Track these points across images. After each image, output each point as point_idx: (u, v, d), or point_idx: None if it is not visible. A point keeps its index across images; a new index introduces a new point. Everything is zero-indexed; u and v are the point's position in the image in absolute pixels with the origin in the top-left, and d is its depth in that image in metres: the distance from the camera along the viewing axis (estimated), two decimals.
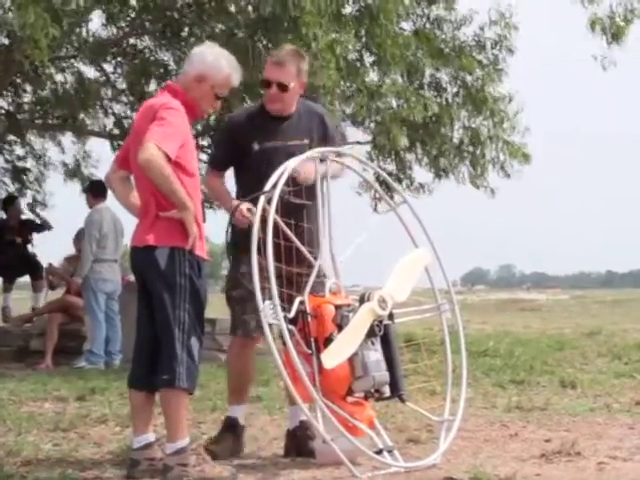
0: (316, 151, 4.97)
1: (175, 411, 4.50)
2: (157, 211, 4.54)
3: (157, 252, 4.52)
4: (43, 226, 13.18)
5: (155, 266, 4.52)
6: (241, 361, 5.25)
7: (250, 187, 4.97)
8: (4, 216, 13.24)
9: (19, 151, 15.02)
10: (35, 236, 13.20)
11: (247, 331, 5.15)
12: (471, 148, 12.72)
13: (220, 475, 4.49)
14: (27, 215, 13.50)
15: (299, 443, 5.16)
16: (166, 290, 4.52)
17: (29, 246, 13.17)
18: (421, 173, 13.08)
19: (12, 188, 14.69)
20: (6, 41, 10.85)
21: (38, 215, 13.69)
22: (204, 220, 4.71)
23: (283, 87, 5.04)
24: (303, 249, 4.92)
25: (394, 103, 11.38)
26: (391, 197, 6.20)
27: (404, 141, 11.26)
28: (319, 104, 5.34)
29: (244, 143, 5.11)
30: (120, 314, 10.39)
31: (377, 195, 12.80)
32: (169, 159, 4.43)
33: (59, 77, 12.78)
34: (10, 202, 13.27)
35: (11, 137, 14.15)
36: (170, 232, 4.52)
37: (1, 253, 12.86)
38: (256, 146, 5.08)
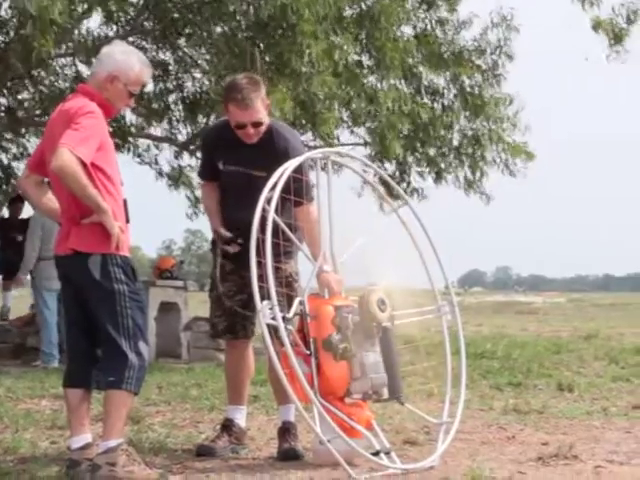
0: (318, 151, 4.98)
1: (116, 411, 4.49)
2: (80, 216, 4.48)
3: (90, 261, 4.47)
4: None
5: (89, 276, 4.48)
6: (230, 362, 5.34)
7: (220, 203, 5.17)
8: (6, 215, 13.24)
9: (14, 150, 14.98)
10: None
11: (216, 332, 5.29)
12: (470, 150, 12.72)
13: (148, 478, 4.42)
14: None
15: (278, 443, 5.17)
16: (105, 299, 4.49)
17: None
18: (420, 176, 13.08)
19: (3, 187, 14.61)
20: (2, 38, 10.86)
21: None
22: (128, 220, 4.64)
23: (259, 124, 5.04)
24: (303, 249, 4.94)
25: (391, 107, 11.35)
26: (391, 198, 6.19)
27: (398, 149, 11.25)
28: (288, 129, 5.28)
29: (214, 159, 5.20)
30: None
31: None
32: (84, 164, 4.38)
33: (54, 77, 12.76)
34: (16, 200, 13.24)
35: (8, 136, 14.10)
36: (98, 239, 4.47)
37: (3, 251, 12.88)
38: (221, 166, 5.16)
